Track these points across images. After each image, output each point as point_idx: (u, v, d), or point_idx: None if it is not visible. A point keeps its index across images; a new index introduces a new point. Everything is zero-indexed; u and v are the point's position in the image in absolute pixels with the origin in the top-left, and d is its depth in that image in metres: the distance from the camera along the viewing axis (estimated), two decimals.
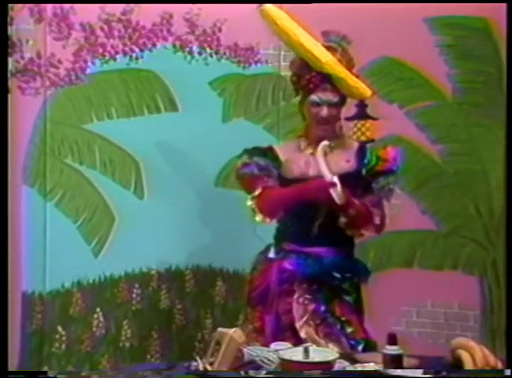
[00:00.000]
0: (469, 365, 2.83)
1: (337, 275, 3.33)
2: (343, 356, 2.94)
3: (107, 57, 3.90)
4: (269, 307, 3.32)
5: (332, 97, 3.31)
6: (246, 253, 4.02)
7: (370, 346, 3.30)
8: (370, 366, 2.88)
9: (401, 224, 3.79)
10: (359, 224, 3.35)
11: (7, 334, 3.07)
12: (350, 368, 2.88)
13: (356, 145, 3.46)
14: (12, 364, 3.62)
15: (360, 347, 3.28)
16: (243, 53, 4.12)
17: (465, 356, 2.86)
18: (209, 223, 4.08)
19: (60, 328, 3.87)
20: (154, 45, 3.97)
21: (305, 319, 3.29)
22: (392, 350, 2.82)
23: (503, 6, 3.64)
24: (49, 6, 3.76)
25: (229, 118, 4.17)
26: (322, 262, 3.33)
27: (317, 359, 2.82)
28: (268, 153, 3.41)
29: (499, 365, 2.86)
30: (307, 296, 3.32)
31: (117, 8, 3.89)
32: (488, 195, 4.25)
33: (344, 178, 3.23)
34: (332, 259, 3.34)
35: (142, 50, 3.95)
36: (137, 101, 4.00)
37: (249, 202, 3.40)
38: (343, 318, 3.33)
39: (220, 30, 4.07)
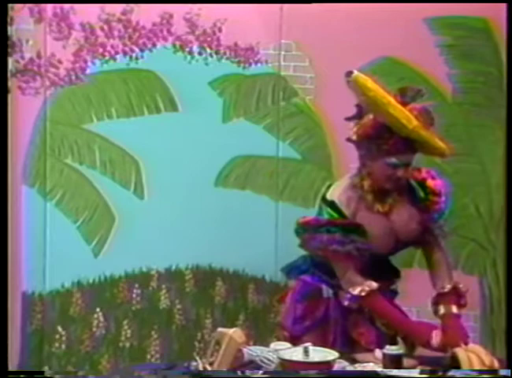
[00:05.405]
0: (466, 365, 2.83)
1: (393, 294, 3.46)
2: (342, 356, 2.95)
3: (107, 57, 3.89)
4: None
5: (410, 159, 3.23)
6: (246, 253, 4.03)
7: None
8: (370, 366, 2.89)
9: None
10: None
11: (7, 334, 3.08)
12: (349, 368, 2.89)
13: (404, 183, 3.33)
14: (13, 364, 3.62)
15: None
16: (243, 53, 4.12)
17: (463, 356, 2.87)
18: (208, 223, 4.07)
19: (60, 328, 3.88)
20: (154, 45, 3.97)
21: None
22: (392, 350, 2.83)
23: (503, 6, 3.65)
24: (49, 6, 3.77)
25: (229, 118, 4.17)
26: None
27: (316, 359, 2.82)
28: (355, 229, 3.21)
29: (498, 366, 2.87)
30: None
31: (117, 8, 3.89)
32: (488, 195, 4.25)
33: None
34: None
35: (142, 50, 3.95)
36: (137, 101, 4.00)
37: (355, 291, 3.18)
38: None
39: (220, 30, 4.06)
